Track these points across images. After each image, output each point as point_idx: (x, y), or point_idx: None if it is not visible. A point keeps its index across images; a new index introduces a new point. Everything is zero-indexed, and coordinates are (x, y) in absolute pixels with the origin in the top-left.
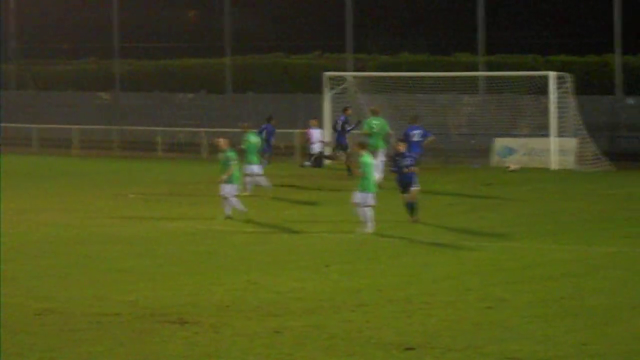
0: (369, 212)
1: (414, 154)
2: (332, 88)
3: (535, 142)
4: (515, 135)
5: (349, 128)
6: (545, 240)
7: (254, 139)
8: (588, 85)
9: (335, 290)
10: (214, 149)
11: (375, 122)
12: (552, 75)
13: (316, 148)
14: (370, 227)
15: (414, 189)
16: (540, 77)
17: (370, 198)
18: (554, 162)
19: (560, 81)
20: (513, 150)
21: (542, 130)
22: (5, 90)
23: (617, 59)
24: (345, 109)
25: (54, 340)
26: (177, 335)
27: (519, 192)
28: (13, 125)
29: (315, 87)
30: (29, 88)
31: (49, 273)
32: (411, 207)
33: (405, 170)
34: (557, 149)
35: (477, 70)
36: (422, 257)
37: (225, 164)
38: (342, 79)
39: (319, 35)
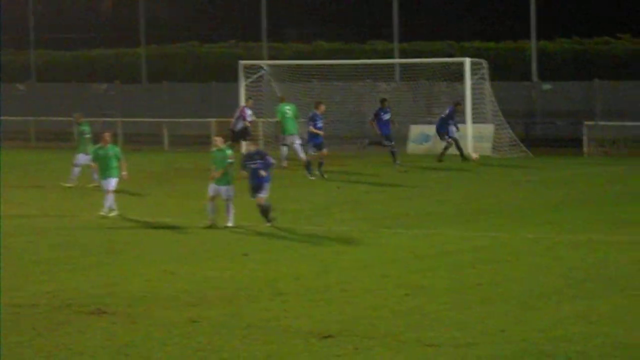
0: (212, 206)
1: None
2: (247, 77)
3: (452, 129)
4: (431, 122)
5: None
6: (462, 227)
7: (87, 128)
8: (504, 71)
9: (252, 279)
10: (131, 139)
11: (288, 108)
12: (467, 61)
13: (239, 126)
14: (230, 221)
15: (262, 196)
16: (455, 63)
17: (225, 191)
18: (471, 149)
19: (476, 67)
20: (429, 137)
21: (458, 117)
22: None
23: (532, 45)
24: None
25: None
26: (95, 326)
27: (436, 179)
28: None
29: (230, 76)
30: None
31: None
32: (264, 211)
33: (260, 174)
34: (473, 135)
35: (392, 57)
36: (339, 245)
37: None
38: (258, 68)
39: (234, 23)
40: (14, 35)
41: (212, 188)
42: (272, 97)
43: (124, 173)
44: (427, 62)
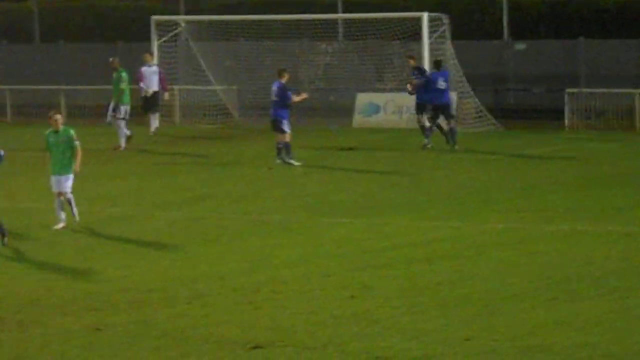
0: (60, 203)
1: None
2: (160, 36)
3: (405, 98)
4: (381, 90)
5: None
6: (418, 215)
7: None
8: (469, 28)
9: (166, 278)
10: (21, 110)
11: (124, 75)
12: (425, 16)
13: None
14: (62, 222)
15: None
16: (411, 19)
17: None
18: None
19: (435, 24)
20: (379, 108)
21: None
22: None
23: None
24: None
25: None
26: None
27: (387, 157)
28: None
29: (140, 35)
30: None
31: None
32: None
33: None
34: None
35: (335, 12)
36: (270, 237)
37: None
38: (174, 25)
39: None
40: None
41: (55, 181)
42: (190, 60)
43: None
44: (376, 17)
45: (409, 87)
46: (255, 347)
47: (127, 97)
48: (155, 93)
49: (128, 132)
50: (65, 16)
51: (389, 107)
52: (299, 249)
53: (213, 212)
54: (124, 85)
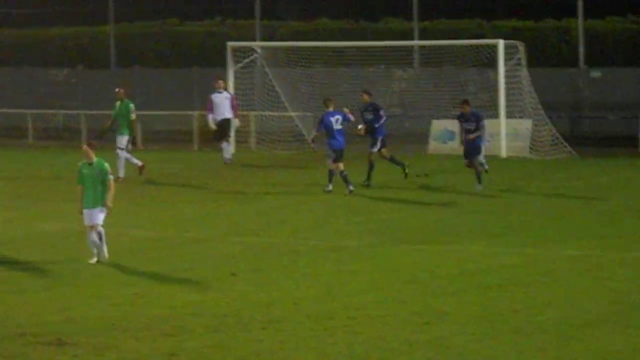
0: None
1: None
2: (236, 61)
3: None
4: (456, 117)
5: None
6: (492, 242)
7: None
8: (545, 55)
9: (241, 304)
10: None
11: (132, 106)
12: (501, 43)
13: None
14: (97, 257)
15: None
16: (487, 46)
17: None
18: (504, 149)
19: (511, 51)
20: (454, 134)
21: (489, 111)
22: None
23: (579, 24)
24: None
25: None
26: (55, 359)
27: (461, 184)
28: None
29: (215, 61)
30: None
31: None
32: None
33: None
34: (507, 133)
35: (411, 38)
36: (344, 263)
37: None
38: (250, 51)
39: None
40: None
41: (87, 214)
42: (266, 85)
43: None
44: (451, 44)
45: (361, 129)
46: None
47: (129, 129)
48: (226, 120)
49: (139, 163)
50: (140, 41)
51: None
52: (373, 275)
53: (288, 238)
54: (133, 116)
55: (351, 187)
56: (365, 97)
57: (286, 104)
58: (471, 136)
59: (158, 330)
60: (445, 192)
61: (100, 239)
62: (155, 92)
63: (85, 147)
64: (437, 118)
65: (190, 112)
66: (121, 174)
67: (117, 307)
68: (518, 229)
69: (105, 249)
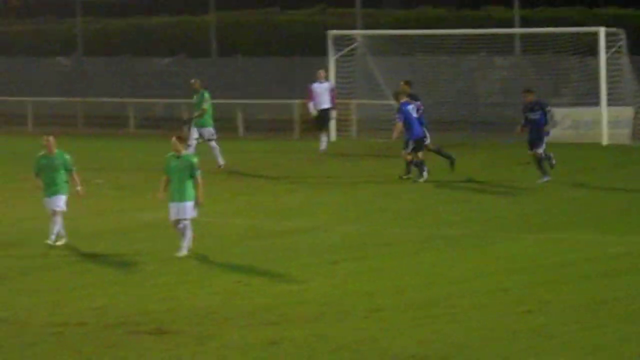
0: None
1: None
2: (337, 50)
3: (583, 113)
4: (558, 105)
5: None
6: (594, 230)
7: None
8: None
9: (343, 292)
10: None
11: (207, 95)
12: (602, 31)
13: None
14: (184, 249)
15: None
16: (587, 34)
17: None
18: (606, 136)
19: (612, 39)
20: (556, 122)
21: (590, 98)
22: None
23: None
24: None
25: (7, 355)
26: (156, 348)
27: (562, 172)
28: None
29: (316, 49)
30: None
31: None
32: None
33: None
34: (609, 121)
35: (512, 26)
36: (446, 252)
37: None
38: (351, 39)
39: None
40: (56, 0)
41: (173, 208)
42: (367, 74)
43: (78, 188)
44: (552, 31)
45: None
46: None
47: (210, 119)
48: (326, 110)
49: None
50: (241, 30)
51: (566, 122)
52: (474, 264)
53: (389, 226)
54: (206, 106)
55: (425, 175)
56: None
57: (387, 92)
58: (546, 128)
59: (260, 319)
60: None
61: (184, 233)
62: (256, 81)
63: (174, 139)
64: None
65: (291, 101)
66: (220, 161)
67: (218, 296)
68: (621, 218)
69: (188, 242)
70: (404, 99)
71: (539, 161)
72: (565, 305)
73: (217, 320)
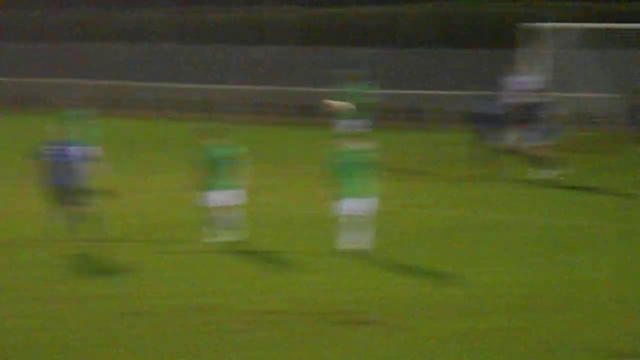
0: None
1: None
2: (527, 44)
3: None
4: None
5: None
6: None
7: None
8: None
9: (540, 285)
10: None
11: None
12: None
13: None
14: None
15: None
16: None
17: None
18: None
19: None
20: None
21: None
22: (148, 42)
23: None
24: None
25: (206, 342)
26: (349, 337)
27: None
28: (173, 84)
29: (503, 41)
30: (171, 41)
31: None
32: None
33: None
34: None
35: None
36: (638, 246)
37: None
38: (541, 32)
39: None
40: None
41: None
42: (557, 67)
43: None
44: None
45: None
46: (616, 356)
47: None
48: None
49: None
50: (425, 21)
51: None
52: None
53: (588, 220)
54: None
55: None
56: None
57: (579, 86)
58: None
59: (453, 311)
60: None
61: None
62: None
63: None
64: None
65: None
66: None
67: (411, 287)
68: None
69: (369, 237)
70: None
71: None
72: None
73: (409, 311)
